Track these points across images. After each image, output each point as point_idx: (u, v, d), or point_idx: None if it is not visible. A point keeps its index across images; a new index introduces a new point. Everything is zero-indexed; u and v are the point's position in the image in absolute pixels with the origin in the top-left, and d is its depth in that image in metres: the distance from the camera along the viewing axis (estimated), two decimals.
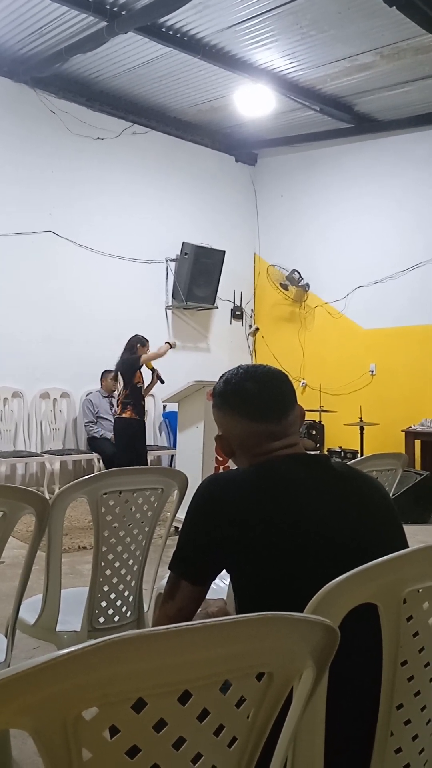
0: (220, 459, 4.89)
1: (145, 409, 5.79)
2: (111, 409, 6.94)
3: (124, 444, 5.74)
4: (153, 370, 5.82)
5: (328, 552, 1.28)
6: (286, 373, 1.57)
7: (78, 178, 7.23)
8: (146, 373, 5.82)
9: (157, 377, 5.78)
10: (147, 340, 5.81)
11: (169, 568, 1.40)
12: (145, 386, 5.76)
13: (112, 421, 6.85)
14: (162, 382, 5.78)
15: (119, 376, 5.74)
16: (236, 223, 8.70)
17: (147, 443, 5.95)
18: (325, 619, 0.84)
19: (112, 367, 6.44)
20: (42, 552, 2.02)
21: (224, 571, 1.37)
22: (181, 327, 8.18)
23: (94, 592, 2.16)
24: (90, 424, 6.94)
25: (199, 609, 1.45)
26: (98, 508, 2.09)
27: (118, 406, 5.78)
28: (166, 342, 6.07)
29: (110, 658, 0.68)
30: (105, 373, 6.96)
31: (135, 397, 5.59)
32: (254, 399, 1.45)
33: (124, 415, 5.62)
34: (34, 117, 6.91)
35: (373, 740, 1.13)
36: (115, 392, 6.83)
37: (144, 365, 5.74)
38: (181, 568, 1.38)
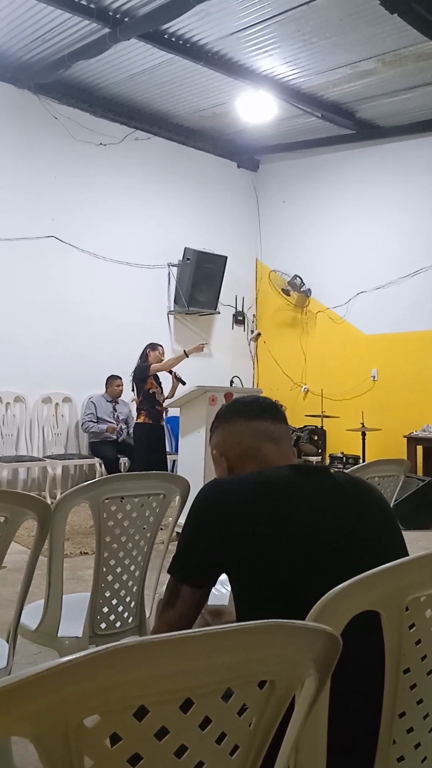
0: None
1: (163, 414, 5.84)
2: (114, 414, 6.95)
3: (144, 448, 5.78)
4: (171, 372, 5.86)
5: (327, 560, 1.28)
6: None
7: (80, 184, 7.25)
8: (167, 378, 5.86)
9: (177, 379, 5.82)
10: (159, 345, 5.89)
11: (168, 572, 1.40)
12: (162, 391, 5.80)
13: (115, 424, 6.89)
14: (183, 383, 5.79)
15: (133, 385, 5.83)
16: (238, 229, 8.71)
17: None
18: (328, 627, 0.83)
19: (117, 373, 6.51)
20: (44, 557, 2.02)
21: (225, 576, 1.37)
22: (183, 332, 8.19)
23: (95, 597, 2.16)
24: (89, 422, 6.92)
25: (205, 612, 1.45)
26: (100, 514, 2.09)
27: (136, 413, 5.86)
28: (185, 350, 5.97)
29: (112, 666, 0.68)
30: (110, 378, 6.98)
31: (149, 402, 5.69)
32: (248, 403, 1.59)
33: (139, 420, 5.75)
34: (36, 123, 6.93)
35: (375, 748, 1.12)
36: (121, 398, 6.98)
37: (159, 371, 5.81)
38: (181, 571, 1.37)
